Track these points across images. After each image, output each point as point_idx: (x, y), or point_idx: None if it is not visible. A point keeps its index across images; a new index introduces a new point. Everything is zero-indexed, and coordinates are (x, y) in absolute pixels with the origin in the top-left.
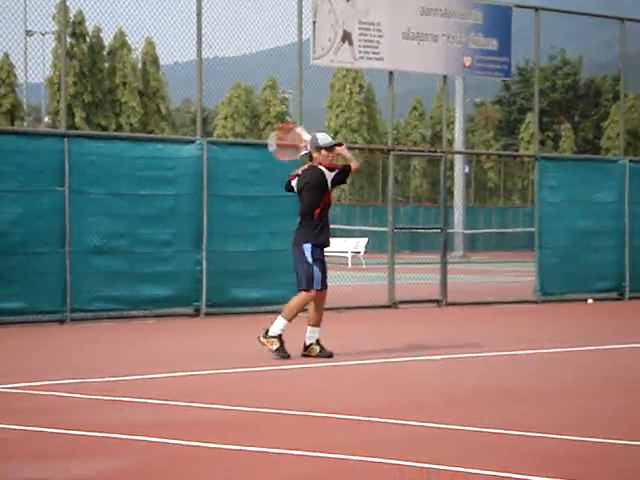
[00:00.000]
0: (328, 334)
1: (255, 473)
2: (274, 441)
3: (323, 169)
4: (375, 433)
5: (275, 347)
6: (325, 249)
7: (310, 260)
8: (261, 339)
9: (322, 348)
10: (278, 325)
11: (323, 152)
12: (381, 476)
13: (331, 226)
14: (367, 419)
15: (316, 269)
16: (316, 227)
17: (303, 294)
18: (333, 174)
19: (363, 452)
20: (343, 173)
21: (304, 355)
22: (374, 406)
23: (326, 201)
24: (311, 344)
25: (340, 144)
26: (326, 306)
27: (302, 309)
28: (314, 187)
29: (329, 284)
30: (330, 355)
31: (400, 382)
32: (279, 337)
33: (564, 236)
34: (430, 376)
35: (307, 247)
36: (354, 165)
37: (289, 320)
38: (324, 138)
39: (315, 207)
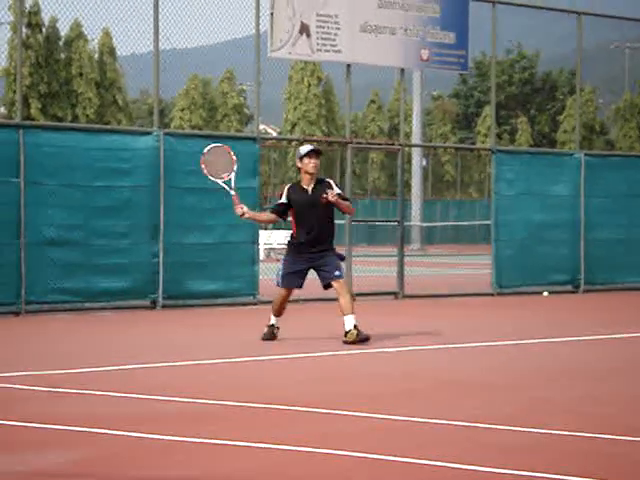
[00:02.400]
0: (285, 326)
1: (214, 465)
2: (233, 433)
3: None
4: (333, 425)
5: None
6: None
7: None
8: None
9: (359, 332)
10: (271, 319)
11: (304, 160)
12: (339, 468)
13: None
14: (324, 411)
15: (281, 267)
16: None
17: None
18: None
19: (321, 444)
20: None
21: (344, 342)
22: (331, 398)
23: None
24: (348, 330)
25: (320, 151)
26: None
27: (278, 303)
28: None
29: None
30: (367, 338)
31: (356, 374)
32: (270, 325)
33: (520, 229)
34: (386, 368)
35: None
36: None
37: (275, 314)
38: (304, 148)
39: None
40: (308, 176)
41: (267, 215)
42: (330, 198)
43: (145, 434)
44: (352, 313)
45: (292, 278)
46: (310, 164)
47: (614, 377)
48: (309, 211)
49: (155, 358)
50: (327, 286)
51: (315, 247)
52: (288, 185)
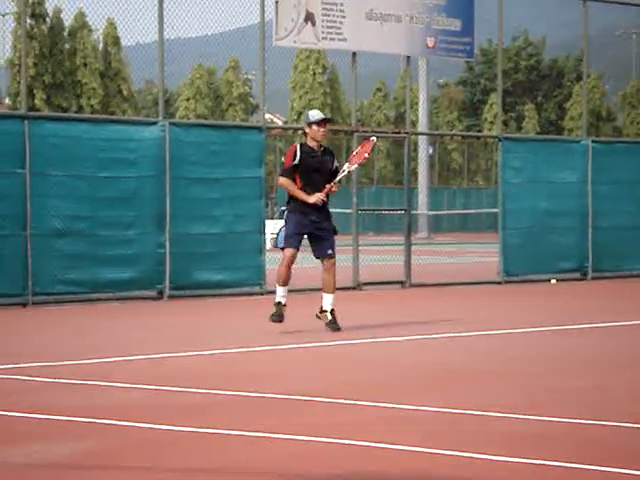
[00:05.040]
0: (292, 316)
1: (221, 455)
2: (240, 423)
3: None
4: (341, 415)
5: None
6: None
7: (285, 223)
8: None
9: (333, 320)
10: (277, 292)
11: (314, 127)
12: (349, 458)
13: (286, 208)
14: (333, 401)
15: (283, 229)
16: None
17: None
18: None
19: (330, 434)
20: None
21: (317, 316)
22: (340, 388)
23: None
24: (324, 310)
25: (330, 120)
26: (290, 288)
27: (284, 268)
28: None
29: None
30: (338, 329)
31: (365, 363)
32: (277, 303)
33: (527, 217)
34: (395, 357)
35: (286, 214)
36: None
37: (283, 284)
38: (315, 114)
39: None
40: (316, 143)
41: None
42: (334, 189)
43: (154, 425)
44: (333, 293)
45: (297, 239)
46: (320, 132)
47: (623, 365)
48: (316, 175)
49: (162, 349)
50: (319, 257)
51: (319, 212)
52: (298, 144)
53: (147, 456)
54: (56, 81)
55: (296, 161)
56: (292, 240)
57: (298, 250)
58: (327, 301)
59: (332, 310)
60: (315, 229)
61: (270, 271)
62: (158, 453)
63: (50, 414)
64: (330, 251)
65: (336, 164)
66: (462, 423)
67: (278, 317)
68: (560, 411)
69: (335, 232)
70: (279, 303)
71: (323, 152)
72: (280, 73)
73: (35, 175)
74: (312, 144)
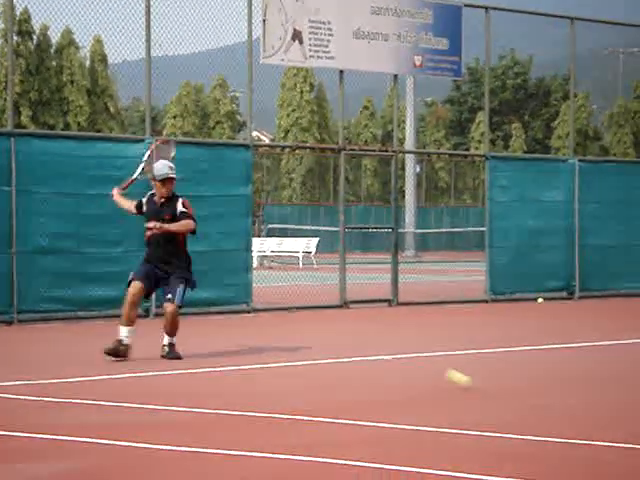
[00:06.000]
0: (280, 334)
1: (212, 474)
2: (229, 442)
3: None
4: (329, 434)
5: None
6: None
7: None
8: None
9: (170, 351)
10: (120, 332)
11: (157, 184)
12: (337, 477)
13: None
14: (321, 420)
15: (131, 273)
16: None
17: None
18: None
19: (319, 453)
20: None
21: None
22: (328, 407)
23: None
24: (163, 345)
25: (172, 178)
26: (278, 306)
27: (127, 305)
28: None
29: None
30: (178, 357)
31: (352, 382)
32: (118, 341)
33: (514, 235)
34: (382, 376)
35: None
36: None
37: (125, 323)
38: (160, 169)
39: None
40: (159, 194)
41: (130, 204)
42: (154, 230)
43: (137, 444)
44: (170, 335)
45: (144, 274)
46: (162, 190)
47: (611, 384)
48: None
49: (149, 367)
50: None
51: (163, 264)
52: (150, 192)
53: (131, 475)
54: (42, 98)
55: (143, 204)
56: (137, 274)
57: (142, 289)
58: (165, 339)
59: (170, 344)
60: (162, 277)
61: (257, 289)
62: (144, 472)
63: (37, 432)
64: (170, 295)
65: (180, 208)
66: (454, 442)
67: (113, 351)
68: (551, 430)
69: (188, 282)
70: (120, 340)
71: (167, 202)
72: (267, 91)
73: (21, 192)
74: (157, 194)
